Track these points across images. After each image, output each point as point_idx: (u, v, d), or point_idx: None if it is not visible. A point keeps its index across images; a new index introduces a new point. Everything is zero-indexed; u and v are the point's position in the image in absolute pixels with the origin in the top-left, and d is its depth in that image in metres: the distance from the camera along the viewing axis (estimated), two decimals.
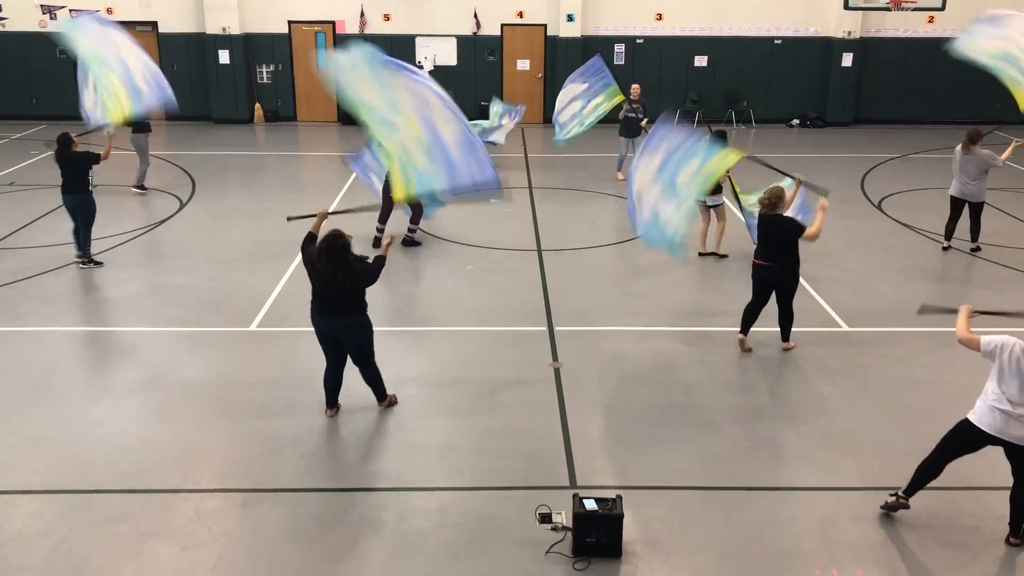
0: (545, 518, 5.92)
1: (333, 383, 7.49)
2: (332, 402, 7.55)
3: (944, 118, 20.93)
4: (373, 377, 7.51)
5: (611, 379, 8.21)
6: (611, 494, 5.85)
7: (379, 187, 11.87)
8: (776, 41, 21.18)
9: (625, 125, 15.68)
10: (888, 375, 8.34)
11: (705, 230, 11.67)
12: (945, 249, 11.94)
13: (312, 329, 7.31)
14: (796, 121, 21.54)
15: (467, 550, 5.80)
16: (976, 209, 11.77)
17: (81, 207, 10.93)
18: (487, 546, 5.83)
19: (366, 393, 7.78)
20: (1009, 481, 5.92)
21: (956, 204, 11.82)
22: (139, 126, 14.60)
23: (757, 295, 8.66)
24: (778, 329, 8.80)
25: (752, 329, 8.85)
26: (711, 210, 11.56)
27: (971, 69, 21.38)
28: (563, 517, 5.90)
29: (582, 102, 14.84)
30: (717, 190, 11.36)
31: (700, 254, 11.58)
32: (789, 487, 6.59)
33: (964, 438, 5.89)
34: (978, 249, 11.84)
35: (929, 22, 21.02)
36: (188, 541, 5.87)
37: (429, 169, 7.15)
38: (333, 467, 6.80)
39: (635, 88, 15.83)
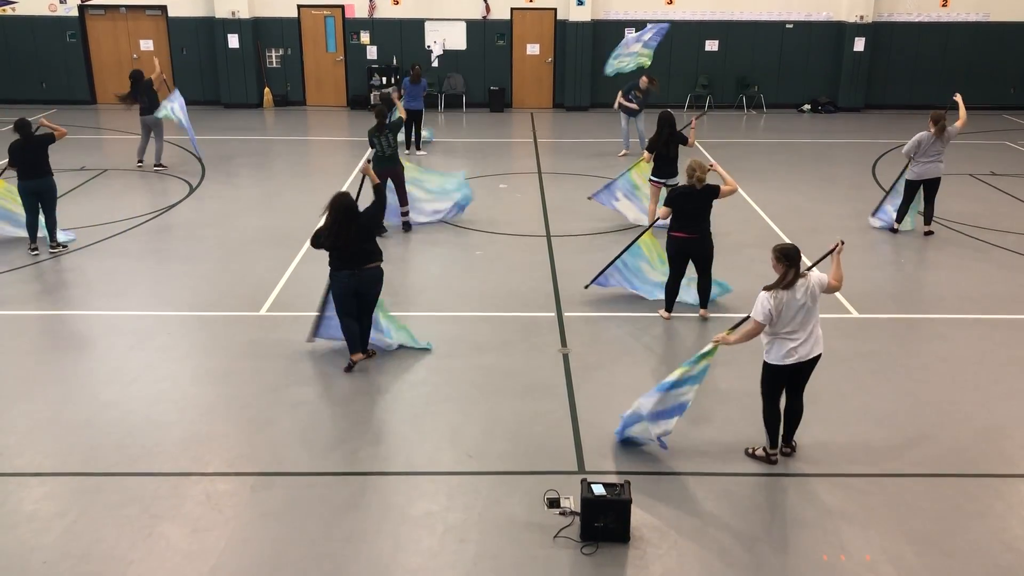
0: (553, 503, 5.93)
1: (356, 331, 7.95)
2: (355, 348, 7.99)
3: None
4: (370, 328, 8.07)
5: (620, 365, 8.21)
6: (619, 479, 5.86)
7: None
8: (788, 25, 21.04)
9: (623, 108, 16.22)
10: (898, 362, 8.31)
11: (654, 210, 11.70)
12: (896, 231, 11.97)
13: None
14: (807, 106, 21.42)
15: (476, 534, 5.82)
16: (935, 187, 11.75)
17: (48, 191, 10.89)
18: (495, 530, 5.85)
19: (377, 380, 7.83)
20: None
21: (915, 188, 11.77)
22: (148, 107, 14.85)
23: (679, 270, 9.04)
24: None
25: None
26: (665, 190, 11.59)
27: (984, 54, 21.21)
28: (571, 502, 5.92)
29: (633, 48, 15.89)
30: (675, 172, 11.42)
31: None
32: (798, 474, 6.58)
33: (779, 381, 6.51)
34: (931, 232, 11.90)
35: (943, 6, 20.86)
36: (198, 524, 5.91)
37: None
38: (342, 451, 6.83)
39: (644, 80, 16.02)
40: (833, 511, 6.11)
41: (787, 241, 6.42)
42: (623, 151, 16.52)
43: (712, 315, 9.15)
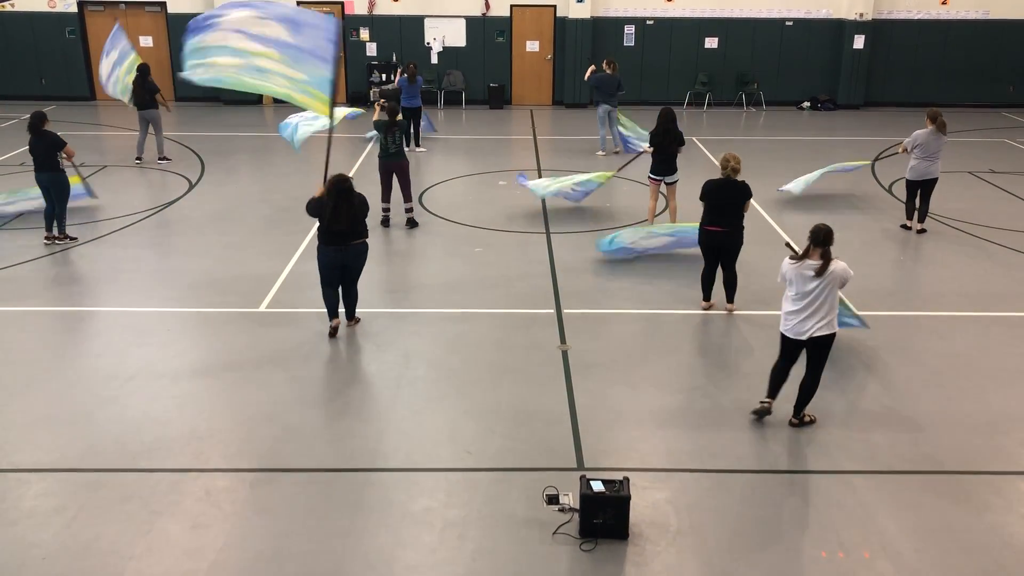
0: (552, 499, 5.94)
1: (335, 300, 8.62)
2: (335, 314, 8.66)
3: (956, 101, 20.79)
4: (356, 297, 8.74)
5: (618, 361, 8.21)
6: (618, 476, 5.86)
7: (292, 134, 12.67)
8: (787, 23, 21.04)
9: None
10: (898, 359, 8.32)
11: (654, 208, 11.71)
12: (909, 228, 12.04)
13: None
14: (807, 103, 21.42)
15: (475, 530, 5.82)
16: (932, 187, 11.84)
17: (54, 185, 11.09)
18: (494, 527, 5.86)
19: (377, 377, 7.85)
20: None
21: (915, 187, 11.89)
22: (148, 102, 15.01)
23: (710, 262, 9.11)
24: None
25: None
26: (664, 187, 11.63)
27: (984, 52, 21.20)
28: (570, 498, 5.92)
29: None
30: (673, 169, 11.38)
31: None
32: (796, 470, 6.60)
33: (784, 347, 6.97)
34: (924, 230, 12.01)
35: (943, 3, 20.85)
36: (198, 520, 5.91)
37: (305, 72, 7.94)
38: (342, 447, 6.83)
39: (604, 64, 16.30)
40: (832, 508, 6.12)
41: (822, 224, 6.79)
42: (615, 148, 16.51)
43: (739, 311, 9.19)
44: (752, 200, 8.97)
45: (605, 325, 9.00)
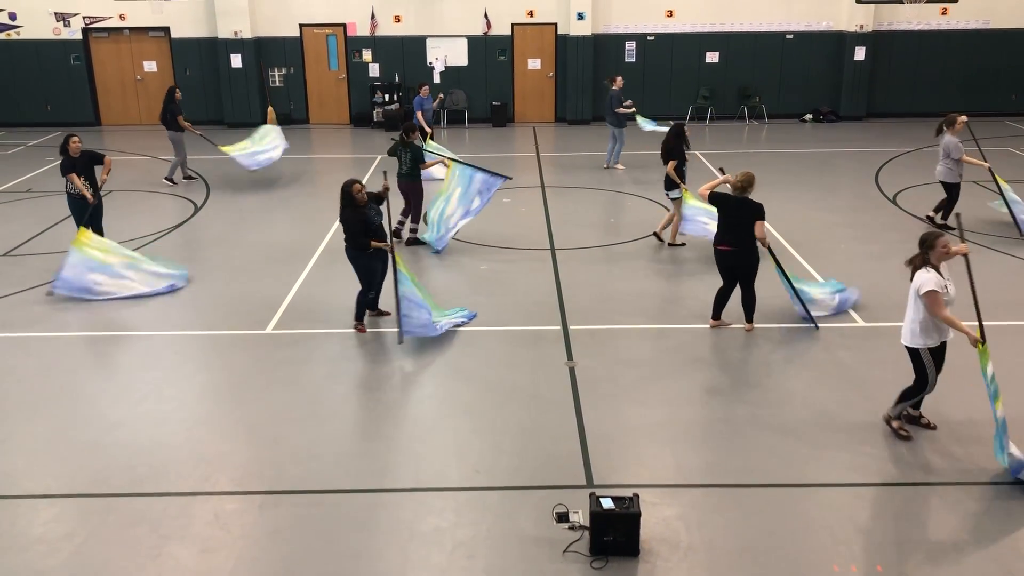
0: (562, 517, 5.92)
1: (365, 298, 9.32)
2: (358, 318, 9.34)
3: (958, 110, 20.74)
4: (375, 292, 9.34)
5: (626, 377, 8.20)
6: (628, 492, 5.84)
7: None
8: (788, 36, 21.10)
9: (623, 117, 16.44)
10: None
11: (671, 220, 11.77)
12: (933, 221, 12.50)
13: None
14: (809, 116, 21.45)
15: (485, 550, 5.80)
16: (948, 190, 12.32)
17: (69, 205, 11.31)
18: (504, 546, 5.84)
19: (383, 396, 7.84)
20: None
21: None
22: (171, 124, 15.45)
23: (727, 280, 9.02)
24: (792, 325, 8.81)
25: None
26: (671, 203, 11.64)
27: (985, 61, 21.18)
28: (580, 516, 5.90)
29: None
30: (674, 184, 11.47)
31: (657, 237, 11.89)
32: (807, 484, 6.55)
33: None
34: (932, 221, 12.45)
35: (943, 14, 20.90)
36: (207, 544, 5.90)
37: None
38: (349, 468, 6.82)
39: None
40: (844, 521, 6.08)
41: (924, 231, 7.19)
42: (606, 164, 16.62)
43: (758, 325, 9.15)
44: (765, 221, 8.73)
45: (612, 341, 8.99)
